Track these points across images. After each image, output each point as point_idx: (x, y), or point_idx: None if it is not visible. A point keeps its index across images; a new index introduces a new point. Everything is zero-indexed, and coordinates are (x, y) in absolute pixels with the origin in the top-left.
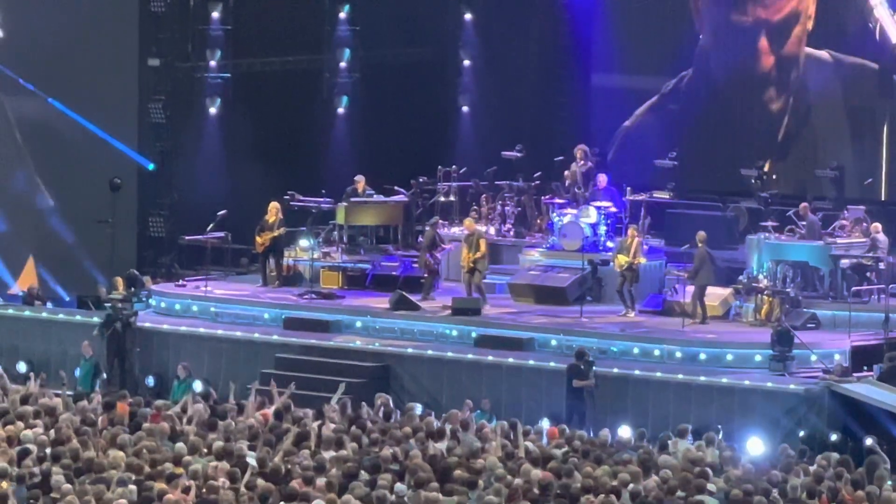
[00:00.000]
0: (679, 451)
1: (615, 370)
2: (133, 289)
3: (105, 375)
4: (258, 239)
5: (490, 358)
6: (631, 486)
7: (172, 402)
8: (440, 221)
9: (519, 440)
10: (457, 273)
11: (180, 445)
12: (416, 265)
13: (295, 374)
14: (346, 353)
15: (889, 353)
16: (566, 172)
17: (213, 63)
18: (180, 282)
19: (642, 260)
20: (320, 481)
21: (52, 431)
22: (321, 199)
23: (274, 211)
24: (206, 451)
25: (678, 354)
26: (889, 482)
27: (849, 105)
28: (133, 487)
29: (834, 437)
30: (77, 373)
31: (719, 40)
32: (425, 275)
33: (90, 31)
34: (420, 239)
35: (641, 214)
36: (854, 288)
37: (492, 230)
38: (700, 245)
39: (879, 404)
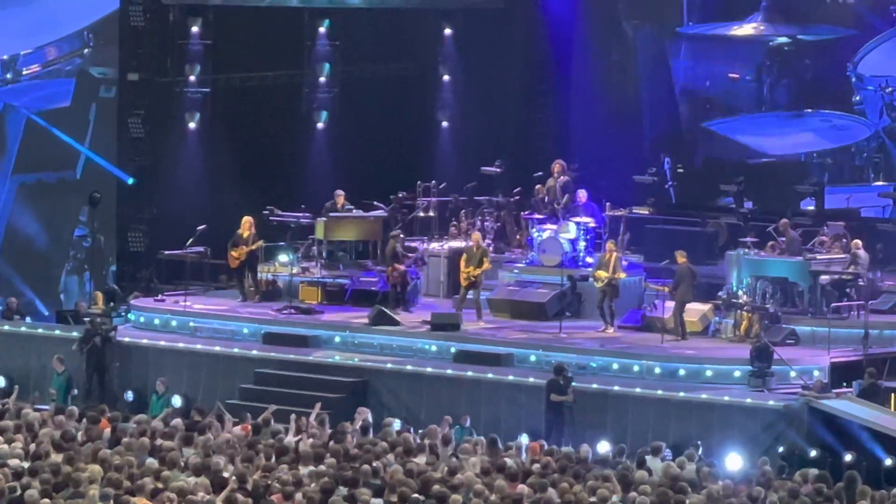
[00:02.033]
0: (655, 469)
1: (594, 386)
2: (112, 303)
3: (76, 391)
4: (233, 253)
5: (469, 373)
6: (609, 502)
7: (150, 416)
8: (401, 235)
9: (498, 456)
10: (436, 288)
11: (155, 460)
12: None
13: (274, 389)
14: (325, 368)
15: (868, 369)
16: (537, 187)
17: (192, 78)
18: (159, 296)
19: (622, 275)
20: (299, 496)
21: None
22: (300, 214)
23: (247, 225)
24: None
25: (657, 370)
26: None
27: None
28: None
29: (813, 454)
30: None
31: None
32: (389, 288)
33: None
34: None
35: (621, 230)
36: (834, 304)
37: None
38: (682, 262)
39: (858, 420)
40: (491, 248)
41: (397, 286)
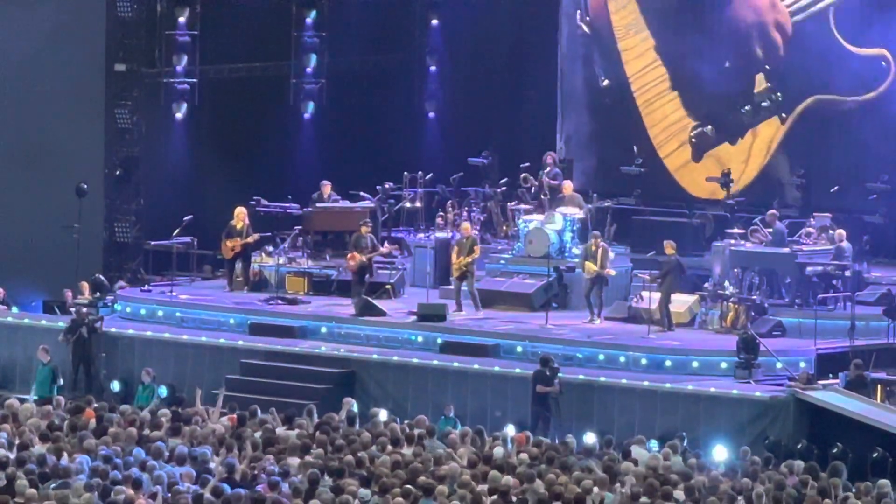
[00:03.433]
0: (641, 459)
1: (581, 377)
2: (99, 294)
3: (62, 381)
4: (228, 243)
5: (456, 364)
6: (595, 492)
7: (136, 407)
8: (368, 223)
9: (485, 447)
10: (422, 279)
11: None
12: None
13: (260, 379)
14: (311, 358)
15: (855, 361)
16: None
17: (179, 68)
18: (146, 287)
19: (612, 272)
20: (286, 487)
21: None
22: (287, 205)
23: (241, 216)
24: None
25: (644, 361)
26: (851, 491)
27: None
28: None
29: (799, 446)
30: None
31: None
32: (350, 277)
33: (58, 35)
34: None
35: (607, 221)
36: (820, 295)
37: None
38: (670, 252)
39: (845, 412)
40: (478, 239)
41: (360, 274)
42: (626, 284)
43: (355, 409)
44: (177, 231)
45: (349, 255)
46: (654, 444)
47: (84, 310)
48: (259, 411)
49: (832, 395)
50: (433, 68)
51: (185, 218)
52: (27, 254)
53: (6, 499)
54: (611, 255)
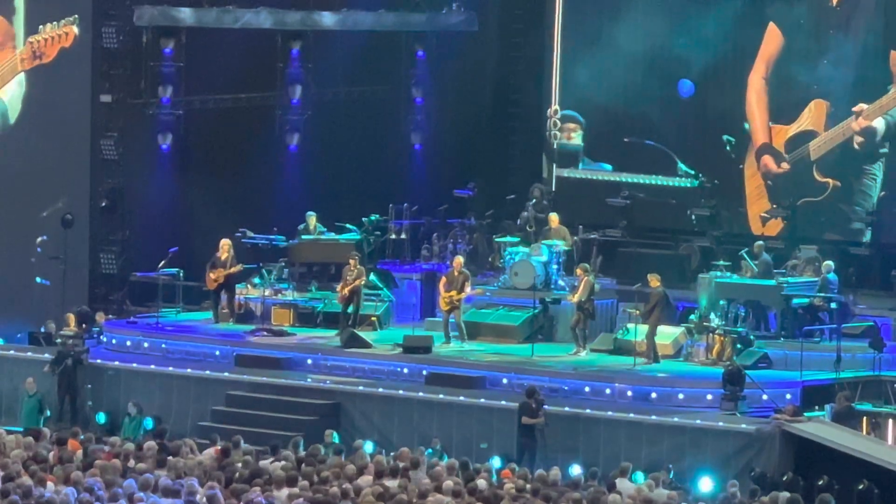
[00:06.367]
0: (625, 492)
1: (566, 409)
2: (84, 325)
3: (49, 412)
4: (211, 275)
5: (441, 396)
6: None
7: (123, 439)
8: (356, 254)
9: (470, 479)
10: (408, 311)
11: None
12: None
13: (246, 411)
14: (297, 390)
15: (841, 393)
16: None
17: (165, 99)
18: (131, 318)
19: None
20: None
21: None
22: (273, 237)
23: (226, 248)
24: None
25: (629, 393)
26: None
27: None
28: None
29: (785, 478)
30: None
31: None
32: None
33: (43, 66)
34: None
35: (593, 253)
36: (806, 327)
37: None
38: (655, 285)
39: (830, 444)
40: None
41: (347, 305)
42: (611, 316)
43: (336, 439)
44: (162, 263)
45: (340, 287)
46: (639, 476)
47: (70, 341)
48: (242, 442)
49: (818, 427)
50: (419, 99)
51: (171, 250)
52: (13, 285)
53: None
54: (596, 287)
